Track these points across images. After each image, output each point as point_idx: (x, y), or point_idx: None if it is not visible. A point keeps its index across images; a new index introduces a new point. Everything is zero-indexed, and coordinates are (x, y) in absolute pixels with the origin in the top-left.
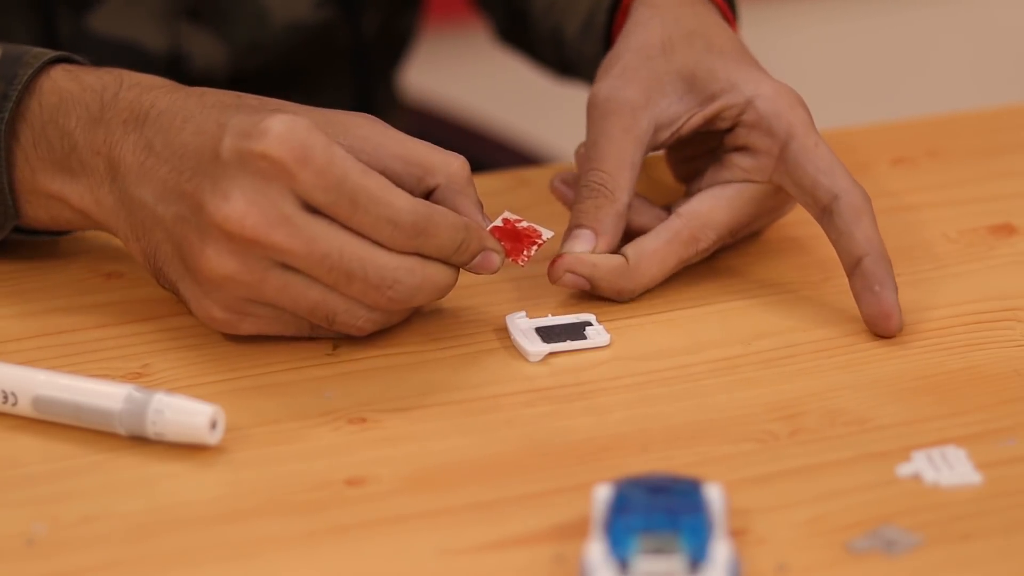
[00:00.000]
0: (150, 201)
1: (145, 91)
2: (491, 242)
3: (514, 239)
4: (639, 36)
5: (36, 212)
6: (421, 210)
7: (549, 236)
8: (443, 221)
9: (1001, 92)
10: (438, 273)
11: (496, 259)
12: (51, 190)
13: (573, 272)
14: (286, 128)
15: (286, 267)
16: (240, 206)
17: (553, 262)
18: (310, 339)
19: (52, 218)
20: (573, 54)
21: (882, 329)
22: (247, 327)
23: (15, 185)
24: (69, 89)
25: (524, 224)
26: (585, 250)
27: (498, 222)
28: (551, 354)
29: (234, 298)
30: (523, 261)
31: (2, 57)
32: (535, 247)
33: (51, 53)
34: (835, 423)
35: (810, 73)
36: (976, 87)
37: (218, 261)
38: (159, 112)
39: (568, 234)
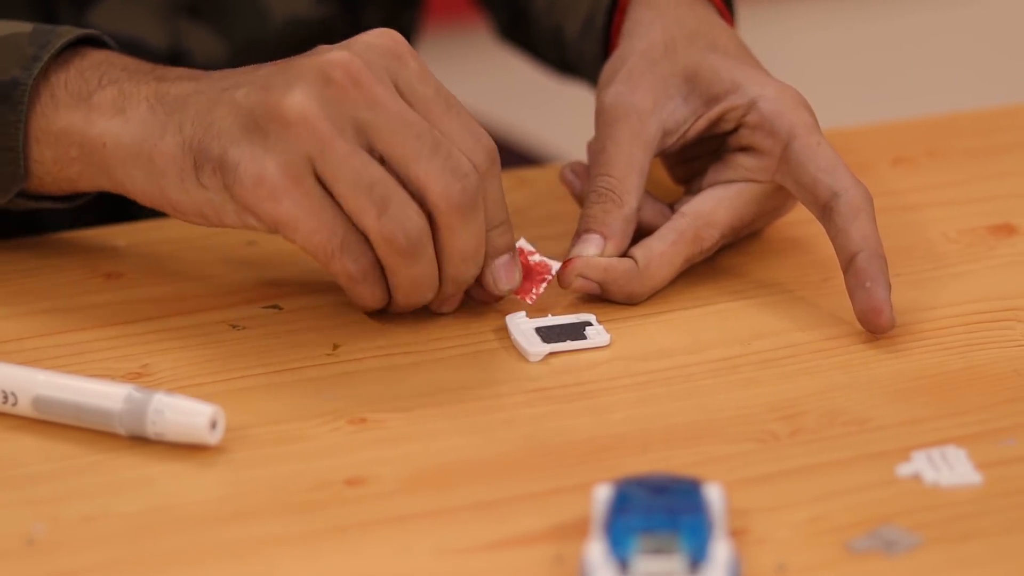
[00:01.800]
0: (217, 87)
1: (209, 71)
2: (518, 259)
3: (526, 275)
4: (642, 38)
5: (43, 153)
6: (496, 149)
7: (557, 268)
8: (501, 182)
9: (1001, 92)
10: (484, 223)
11: (516, 276)
12: (70, 120)
13: (584, 277)
14: (396, 33)
15: (364, 141)
16: (348, 56)
17: (564, 267)
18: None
19: (56, 159)
20: (573, 54)
21: (873, 325)
22: (288, 204)
23: (31, 129)
24: (118, 56)
25: (537, 258)
26: (594, 254)
27: None
28: (551, 354)
29: (298, 152)
30: (531, 300)
31: (33, 30)
32: (544, 284)
33: (86, 30)
34: (835, 423)
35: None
36: (976, 87)
37: (304, 99)
38: (225, 69)
39: (576, 238)
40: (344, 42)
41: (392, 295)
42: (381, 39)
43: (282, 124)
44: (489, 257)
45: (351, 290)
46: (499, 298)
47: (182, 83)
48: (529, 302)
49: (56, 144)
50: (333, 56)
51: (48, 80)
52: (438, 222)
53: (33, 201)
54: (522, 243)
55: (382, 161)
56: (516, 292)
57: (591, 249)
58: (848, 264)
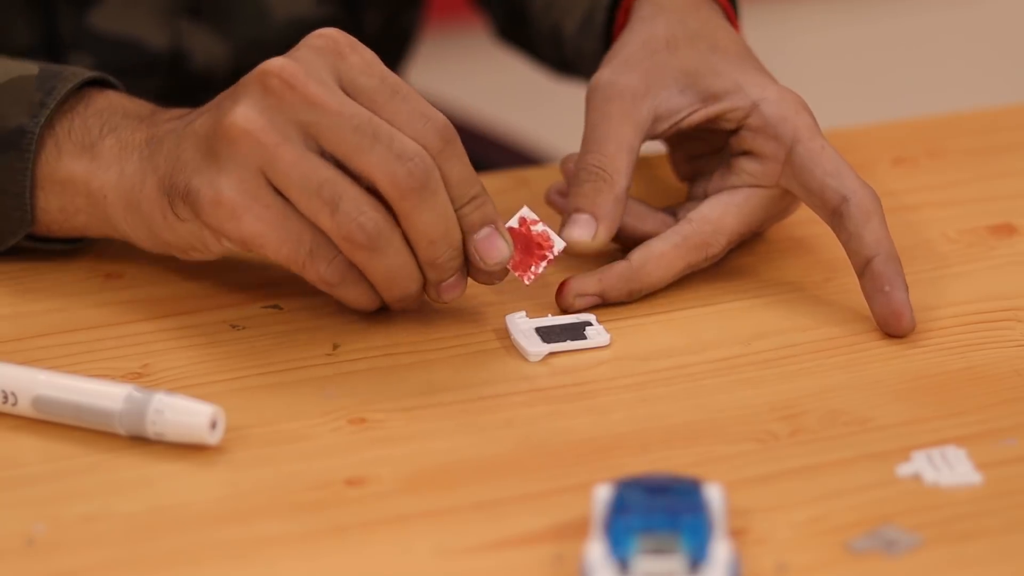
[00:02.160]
0: (189, 127)
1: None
2: (502, 226)
3: (525, 248)
4: (644, 32)
5: (49, 202)
6: (452, 128)
7: (561, 247)
8: (466, 158)
9: (1001, 92)
10: (448, 202)
11: (503, 247)
12: (73, 171)
13: (583, 294)
14: (339, 30)
15: (309, 143)
16: (284, 61)
17: (560, 291)
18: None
19: (62, 208)
20: (572, 52)
21: (894, 329)
22: (251, 221)
23: (37, 177)
24: (121, 100)
25: (539, 228)
26: (585, 236)
27: (513, 222)
28: (551, 354)
29: (248, 170)
30: (528, 279)
31: (40, 72)
32: (544, 263)
33: (91, 73)
34: (835, 423)
35: (810, 73)
36: (976, 87)
37: (246, 115)
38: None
39: (567, 219)
40: (290, 50)
41: (378, 292)
42: (320, 39)
43: (229, 143)
44: (467, 234)
45: (336, 295)
46: (498, 275)
47: (171, 123)
48: (527, 282)
49: (62, 193)
50: (270, 65)
51: (53, 129)
52: (395, 209)
53: (40, 243)
54: (524, 212)
55: (335, 161)
56: (514, 268)
57: (581, 231)
58: (864, 268)
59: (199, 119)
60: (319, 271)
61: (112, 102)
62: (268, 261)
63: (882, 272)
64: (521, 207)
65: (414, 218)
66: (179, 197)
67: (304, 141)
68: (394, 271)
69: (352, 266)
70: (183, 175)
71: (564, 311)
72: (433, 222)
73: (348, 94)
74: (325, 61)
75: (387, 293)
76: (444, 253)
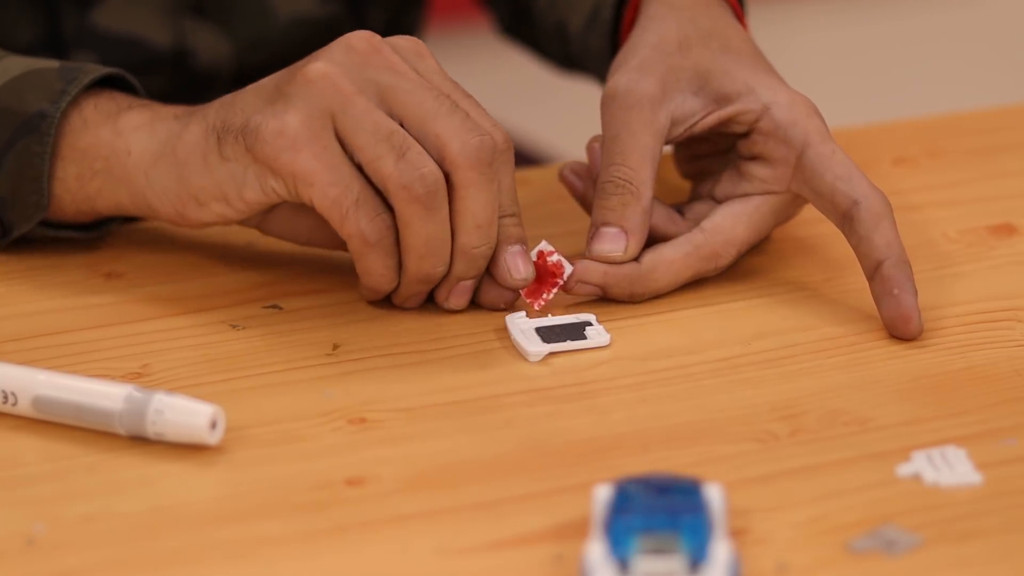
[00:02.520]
0: (250, 89)
1: None
2: (528, 257)
3: (539, 278)
4: (655, 33)
5: (66, 170)
6: (512, 141)
7: (569, 272)
8: (514, 175)
9: (1001, 92)
10: (495, 194)
11: (527, 268)
12: (98, 135)
13: (585, 282)
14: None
15: (382, 101)
16: (370, 33)
17: None
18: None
19: (78, 175)
20: (577, 48)
21: (902, 332)
22: (307, 156)
23: (58, 148)
24: (148, 100)
25: (555, 259)
26: (616, 249)
27: (532, 254)
28: (551, 354)
29: (317, 108)
30: (539, 305)
31: (60, 66)
32: (555, 289)
33: (112, 69)
34: (835, 423)
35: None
36: (976, 87)
37: (326, 64)
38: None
39: (595, 233)
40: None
41: (404, 263)
42: (405, 40)
43: (304, 83)
44: (501, 243)
45: (362, 259)
46: (510, 300)
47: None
48: (537, 308)
49: (82, 159)
50: (356, 33)
51: (79, 105)
52: (455, 180)
53: (53, 230)
54: (543, 245)
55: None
56: (526, 295)
57: (612, 245)
58: (874, 272)
59: (265, 80)
60: (360, 225)
61: (138, 95)
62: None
63: (892, 276)
64: (540, 241)
65: (471, 194)
66: (232, 134)
67: (376, 100)
68: (433, 239)
69: (391, 229)
70: (242, 114)
71: (564, 291)
72: (485, 205)
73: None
74: (407, 54)
75: (415, 267)
76: (482, 243)
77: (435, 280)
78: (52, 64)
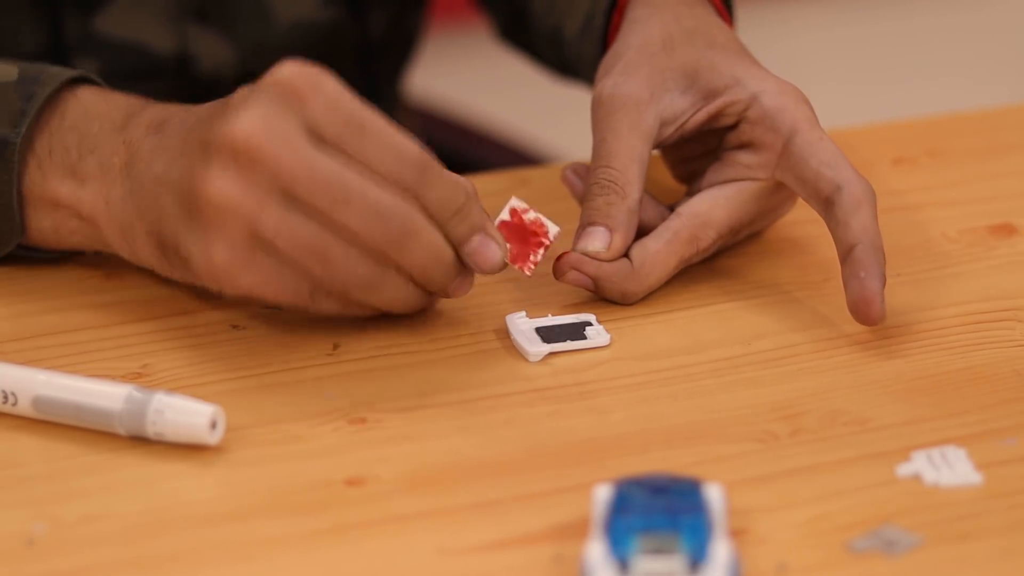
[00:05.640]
0: (161, 170)
1: (171, 109)
2: (492, 230)
3: (520, 238)
4: (639, 34)
5: (41, 222)
6: (426, 154)
7: (556, 232)
8: (446, 174)
9: (1001, 92)
10: (434, 233)
11: (496, 251)
12: (60, 195)
13: (578, 270)
14: (299, 65)
15: (288, 201)
16: (247, 123)
17: (559, 259)
18: (309, 332)
19: (55, 228)
20: (572, 55)
21: (863, 316)
22: (247, 278)
23: (24, 193)
24: (95, 103)
25: (531, 216)
26: (600, 247)
27: (504, 215)
28: (551, 354)
29: (236, 236)
30: (529, 270)
31: (19, 77)
32: (542, 250)
33: (69, 73)
34: (835, 423)
35: (810, 73)
36: (976, 87)
37: (221, 184)
38: (180, 113)
39: (581, 232)
40: (248, 89)
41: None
42: (279, 86)
43: (214, 212)
44: (459, 246)
45: (361, 311)
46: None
47: (147, 140)
48: (527, 273)
49: (53, 214)
50: (234, 129)
51: (33, 147)
52: (383, 254)
53: (34, 252)
54: (514, 202)
55: None
56: (512, 261)
57: (597, 243)
58: (846, 255)
59: (174, 170)
60: (323, 307)
61: (87, 108)
62: None
63: (860, 259)
64: (510, 199)
65: (403, 260)
66: (172, 251)
67: (284, 199)
68: (393, 300)
69: (367, 276)
70: (170, 230)
71: (556, 277)
72: (422, 257)
73: (316, 139)
74: (288, 110)
75: (390, 311)
76: (439, 274)
77: (417, 307)
78: (11, 75)
